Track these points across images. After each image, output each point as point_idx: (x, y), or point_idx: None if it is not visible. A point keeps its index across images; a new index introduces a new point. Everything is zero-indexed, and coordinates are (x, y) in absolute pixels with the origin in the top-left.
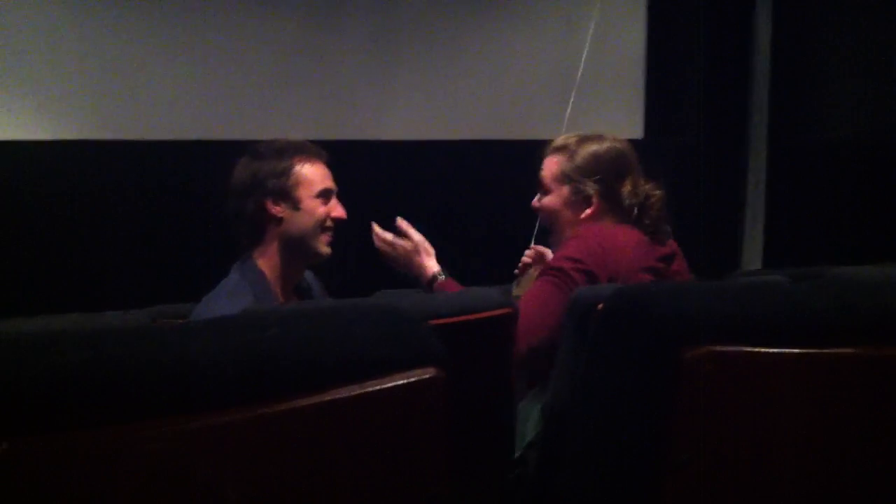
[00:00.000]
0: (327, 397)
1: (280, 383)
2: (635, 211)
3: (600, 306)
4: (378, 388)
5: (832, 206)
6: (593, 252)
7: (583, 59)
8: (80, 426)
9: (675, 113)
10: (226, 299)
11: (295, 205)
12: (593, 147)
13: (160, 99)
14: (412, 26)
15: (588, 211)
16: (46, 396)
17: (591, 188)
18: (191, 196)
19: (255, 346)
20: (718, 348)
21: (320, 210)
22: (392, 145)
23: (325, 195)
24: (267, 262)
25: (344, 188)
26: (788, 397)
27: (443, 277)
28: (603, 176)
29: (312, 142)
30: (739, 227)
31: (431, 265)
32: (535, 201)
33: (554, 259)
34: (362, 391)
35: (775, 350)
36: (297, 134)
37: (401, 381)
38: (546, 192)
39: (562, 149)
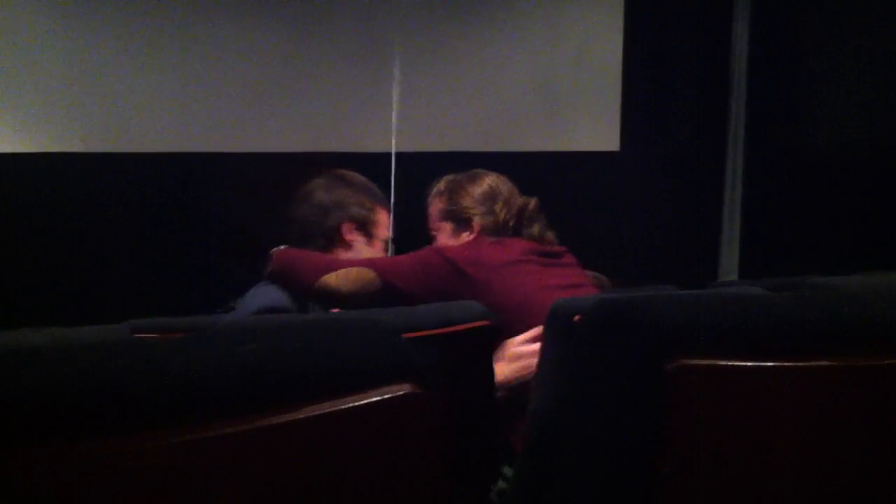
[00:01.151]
0: (302, 414)
1: (256, 399)
2: (512, 222)
3: (577, 318)
4: (353, 404)
5: (809, 215)
6: (463, 251)
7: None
8: (63, 441)
9: (652, 123)
10: (267, 287)
11: (369, 238)
12: (463, 183)
13: (144, 111)
14: (395, 40)
15: (471, 235)
16: (27, 412)
17: (468, 213)
18: (175, 208)
19: (232, 362)
20: (698, 362)
21: (381, 254)
22: (376, 157)
23: (386, 244)
24: None
25: None
26: (771, 409)
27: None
28: (477, 202)
29: (299, 154)
30: (716, 237)
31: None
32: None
33: (430, 247)
34: (337, 408)
35: (755, 363)
36: (281, 146)
37: (375, 398)
38: (434, 236)
39: (437, 193)
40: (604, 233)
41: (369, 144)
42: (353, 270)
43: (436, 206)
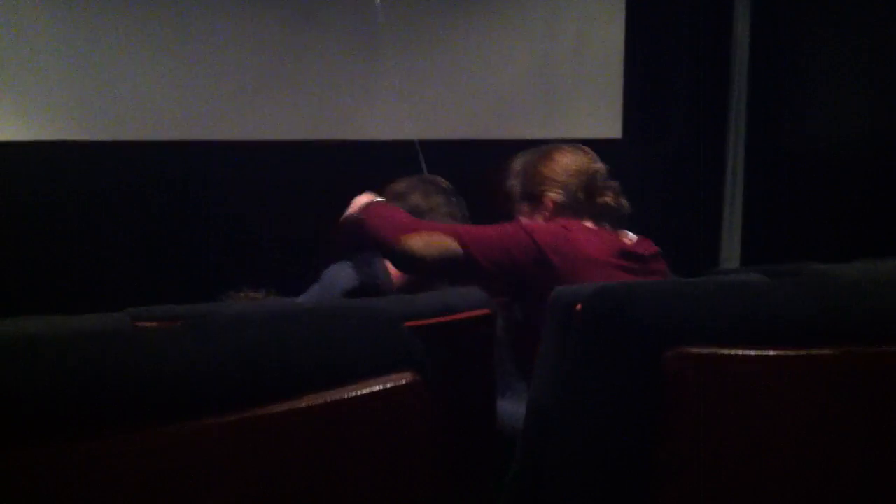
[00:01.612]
0: (302, 403)
1: (256, 389)
2: (582, 194)
3: (579, 307)
4: (353, 394)
5: (809, 204)
6: (553, 236)
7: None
8: (61, 434)
9: (654, 113)
10: (346, 268)
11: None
12: (535, 161)
13: (141, 100)
14: (393, 27)
15: (546, 213)
16: (24, 404)
17: (540, 191)
18: (172, 196)
19: (234, 351)
20: (698, 350)
21: None
22: (373, 145)
23: None
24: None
25: (324, 188)
26: (770, 398)
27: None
28: (548, 178)
29: (296, 143)
30: (717, 225)
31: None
32: None
33: (518, 221)
34: (338, 397)
35: (755, 352)
36: (279, 134)
37: (376, 387)
38: (511, 217)
39: (513, 174)
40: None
41: (367, 132)
42: (437, 236)
43: (514, 187)
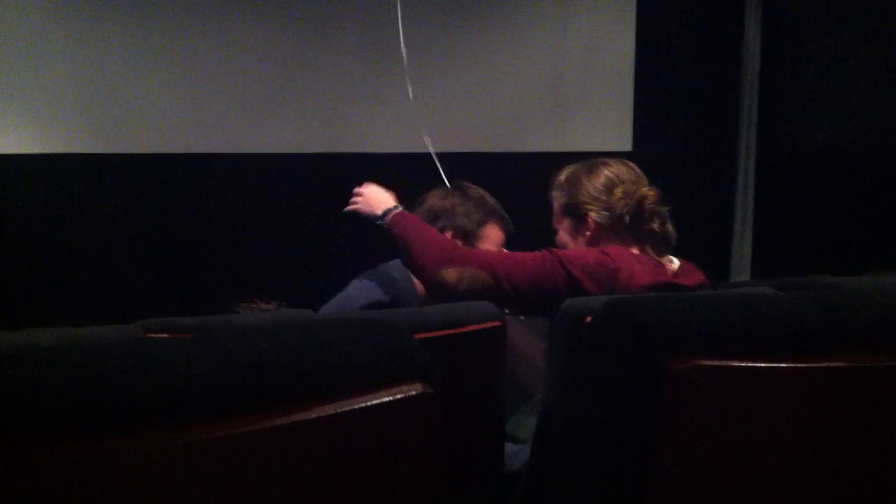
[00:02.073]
0: (312, 414)
1: (266, 398)
2: (629, 217)
3: (588, 319)
4: (363, 404)
5: (821, 215)
6: (591, 263)
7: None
8: (71, 440)
9: (664, 124)
10: (371, 287)
11: None
12: (580, 175)
13: (150, 112)
14: (403, 40)
15: (588, 233)
16: (32, 409)
17: (585, 209)
18: (181, 209)
19: (243, 361)
20: (706, 362)
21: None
22: (384, 158)
23: None
24: None
25: (335, 200)
26: (777, 410)
27: (399, 209)
28: (595, 195)
29: (304, 155)
30: (728, 237)
31: (386, 199)
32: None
33: (556, 249)
34: (347, 408)
35: (763, 363)
36: (287, 147)
37: (386, 398)
38: (557, 231)
39: (557, 187)
40: None
41: (377, 145)
42: (470, 270)
43: (556, 200)
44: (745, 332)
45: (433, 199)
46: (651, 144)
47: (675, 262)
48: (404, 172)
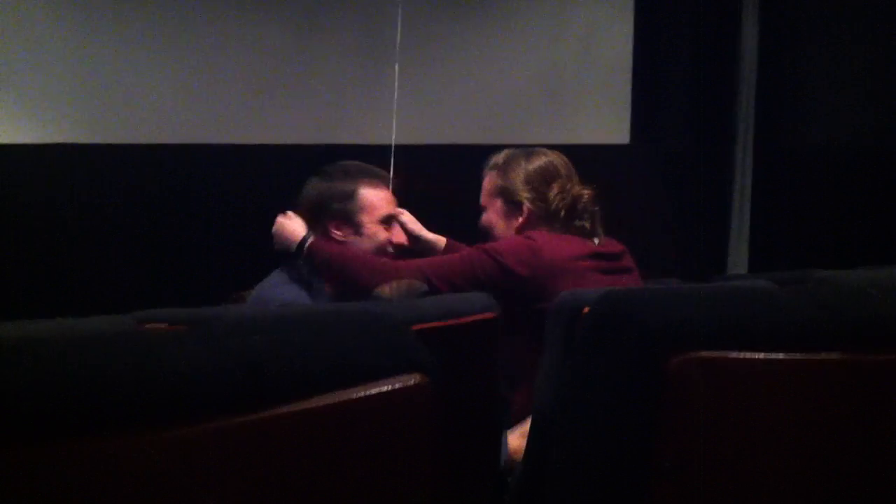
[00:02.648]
0: (310, 405)
1: (264, 391)
2: (563, 212)
3: (586, 310)
4: (361, 395)
5: (818, 211)
6: (517, 248)
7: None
8: (66, 435)
9: (662, 118)
10: (287, 285)
11: (357, 229)
12: (520, 160)
13: (146, 103)
14: (400, 32)
15: (521, 219)
16: (30, 406)
17: (520, 196)
18: (178, 199)
19: (240, 354)
20: (705, 354)
21: (382, 235)
22: (380, 149)
23: (387, 221)
24: None
25: None
26: (775, 403)
27: (311, 238)
28: (531, 185)
29: (301, 146)
30: (725, 230)
31: (293, 230)
32: (480, 223)
33: (479, 244)
34: (346, 398)
35: (762, 356)
36: (284, 137)
37: (385, 388)
38: (484, 209)
39: (493, 167)
40: (613, 226)
41: (373, 136)
42: (405, 283)
43: (490, 180)
44: (743, 325)
45: (304, 195)
46: (648, 138)
47: (596, 241)
48: (400, 163)
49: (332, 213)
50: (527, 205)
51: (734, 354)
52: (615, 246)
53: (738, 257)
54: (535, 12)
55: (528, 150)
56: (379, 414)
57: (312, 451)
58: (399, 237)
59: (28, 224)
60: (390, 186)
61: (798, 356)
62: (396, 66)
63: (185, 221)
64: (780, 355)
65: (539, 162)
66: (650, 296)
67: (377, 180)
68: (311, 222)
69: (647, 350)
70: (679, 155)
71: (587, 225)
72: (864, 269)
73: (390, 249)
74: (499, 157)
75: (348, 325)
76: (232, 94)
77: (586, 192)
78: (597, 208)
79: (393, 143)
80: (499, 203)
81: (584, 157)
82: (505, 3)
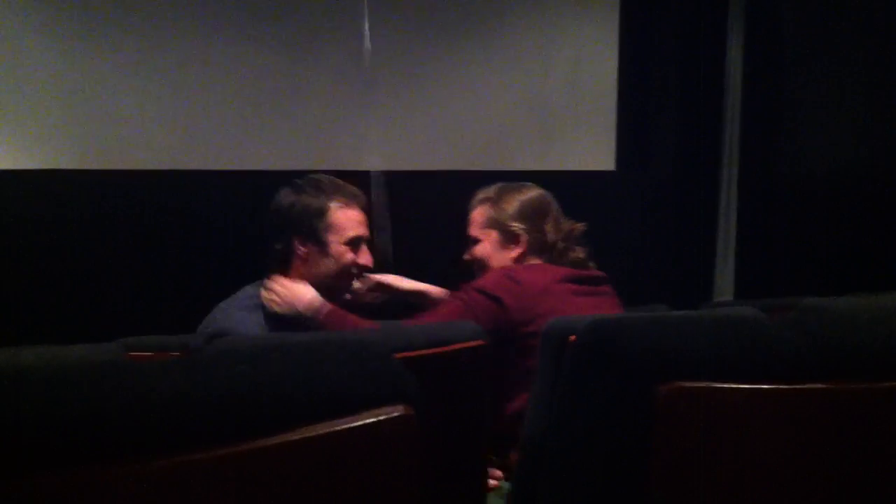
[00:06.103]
0: (295, 436)
1: (249, 422)
2: (560, 245)
3: (572, 338)
4: (346, 426)
5: (803, 236)
6: (500, 281)
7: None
8: (53, 467)
9: (648, 145)
10: (244, 312)
11: (322, 248)
12: (514, 193)
13: (138, 129)
14: (389, 59)
15: (518, 249)
16: (14, 437)
17: (517, 227)
18: (168, 225)
19: (227, 384)
20: (690, 384)
21: (347, 257)
22: (364, 175)
23: (354, 243)
24: None
25: None
26: (762, 433)
27: (327, 308)
28: (526, 216)
29: (291, 172)
30: (711, 257)
31: (308, 293)
32: (466, 255)
33: (465, 286)
34: (330, 430)
35: (748, 386)
36: (274, 164)
37: (369, 420)
38: (476, 241)
39: (485, 200)
40: (599, 252)
41: (361, 164)
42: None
43: (481, 212)
44: (728, 354)
45: (273, 205)
46: (634, 165)
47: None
48: (391, 189)
49: (298, 228)
50: (524, 235)
51: (719, 384)
52: (594, 271)
53: (724, 283)
54: (521, 41)
55: (518, 184)
56: (363, 445)
57: (297, 482)
58: (365, 259)
59: (17, 250)
60: (363, 207)
61: (783, 386)
62: (381, 93)
63: (176, 247)
64: (765, 385)
65: (532, 194)
66: (635, 325)
67: (350, 199)
68: (276, 234)
69: (633, 378)
70: (664, 182)
71: (581, 256)
72: (852, 297)
73: (354, 271)
74: (489, 191)
75: (335, 355)
76: (224, 121)
77: (579, 226)
78: (586, 241)
79: (371, 169)
80: (494, 234)
81: (570, 184)
82: (492, 32)
